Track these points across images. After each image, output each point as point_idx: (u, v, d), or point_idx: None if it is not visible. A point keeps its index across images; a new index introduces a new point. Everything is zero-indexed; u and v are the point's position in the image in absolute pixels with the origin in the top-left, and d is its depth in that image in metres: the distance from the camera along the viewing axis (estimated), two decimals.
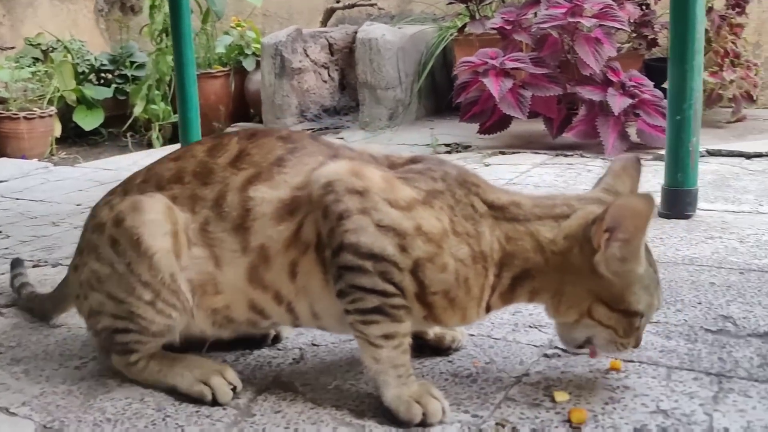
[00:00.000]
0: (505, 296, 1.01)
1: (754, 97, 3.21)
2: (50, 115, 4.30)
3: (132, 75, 4.85)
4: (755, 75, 3.22)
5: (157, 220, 1.03)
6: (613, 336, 0.99)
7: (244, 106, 4.66)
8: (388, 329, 0.96)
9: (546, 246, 0.97)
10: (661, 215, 1.98)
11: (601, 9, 3.02)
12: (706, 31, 3.21)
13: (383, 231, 0.95)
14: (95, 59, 4.91)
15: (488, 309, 1.01)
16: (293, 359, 1.19)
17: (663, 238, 1.78)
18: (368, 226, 0.94)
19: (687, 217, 1.94)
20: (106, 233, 1.06)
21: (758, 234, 1.77)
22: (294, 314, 1.04)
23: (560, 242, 0.97)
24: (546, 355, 1.16)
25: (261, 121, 4.36)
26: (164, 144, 4.42)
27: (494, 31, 3.31)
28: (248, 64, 4.56)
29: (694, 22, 1.87)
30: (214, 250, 1.02)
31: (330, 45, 4.32)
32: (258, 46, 4.48)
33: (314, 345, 1.23)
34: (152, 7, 4.39)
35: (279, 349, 1.22)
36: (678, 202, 1.96)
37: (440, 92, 4.05)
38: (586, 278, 0.96)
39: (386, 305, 0.96)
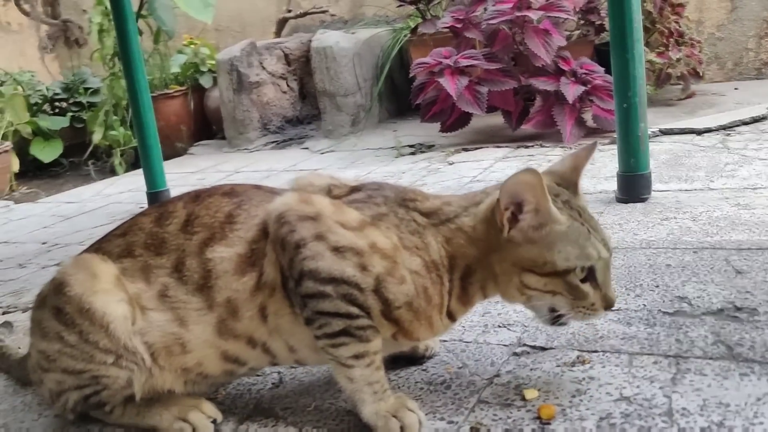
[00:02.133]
0: (461, 298, 1.05)
1: (701, 73, 3.31)
2: (6, 151, 4.26)
3: (87, 102, 4.82)
4: (699, 52, 3.32)
5: (108, 288, 1.04)
6: (569, 301, 1.00)
7: (206, 124, 4.66)
8: (358, 349, 1.01)
9: (471, 235, 1.02)
10: (619, 200, 2.06)
11: (547, 0, 3.10)
12: (650, 13, 3.30)
13: (340, 253, 0.98)
14: (47, 89, 4.88)
15: (451, 316, 1.06)
16: (273, 384, 1.23)
17: (621, 223, 1.85)
18: (325, 251, 0.98)
19: (643, 200, 2.02)
20: (48, 304, 1.06)
21: (710, 211, 1.85)
22: (270, 354, 1.07)
23: (478, 228, 1.01)
24: (515, 354, 1.22)
25: (224, 138, 4.38)
26: (128, 169, 4.41)
27: (447, 30, 3.38)
28: (205, 81, 4.56)
29: (630, 13, 1.94)
30: (177, 312, 1.04)
31: (286, 55, 4.35)
32: (213, 62, 4.48)
33: (292, 367, 1.27)
34: (101, 31, 4.37)
35: (258, 375, 1.26)
36: (633, 186, 2.03)
37: (400, 94, 4.10)
38: (507, 253, 0.99)
39: (352, 327, 1.00)
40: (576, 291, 0.99)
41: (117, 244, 1.10)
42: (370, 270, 0.98)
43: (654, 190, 2.07)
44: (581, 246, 0.99)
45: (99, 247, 1.12)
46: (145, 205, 2.93)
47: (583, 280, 0.99)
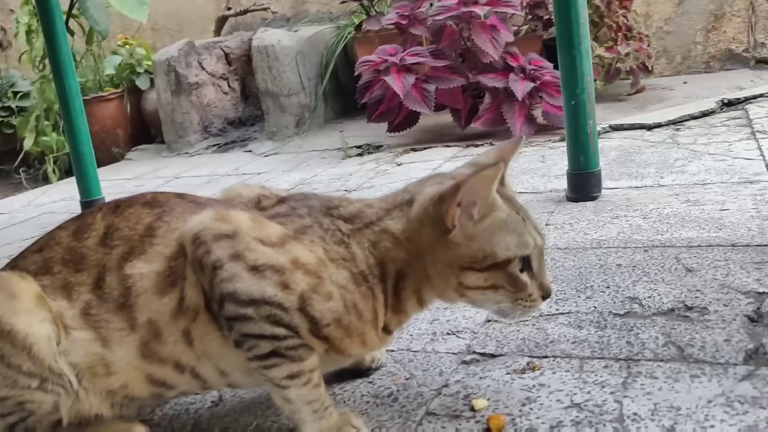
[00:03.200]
0: (396, 309, 1.02)
1: (650, 68, 3.38)
2: None
3: (17, 106, 4.67)
4: (648, 46, 3.39)
5: (29, 308, 1.00)
6: (510, 295, 0.99)
7: (144, 128, 4.57)
8: (291, 370, 0.98)
9: (399, 237, 0.99)
10: (570, 199, 2.07)
11: None
12: (598, 7, 3.36)
13: (259, 273, 0.95)
14: None
15: (387, 330, 1.03)
16: (212, 402, 1.19)
17: (572, 223, 1.87)
18: (242, 272, 0.95)
19: (593, 198, 2.04)
20: None
21: (660, 208, 1.88)
22: (200, 379, 1.03)
23: (409, 229, 0.99)
24: (464, 362, 1.21)
25: (163, 142, 4.30)
26: (62, 177, 4.29)
27: (392, 27, 3.37)
28: (142, 82, 4.47)
29: (576, 9, 1.96)
30: (100, 332, 1.00)
31: (226, 55, 4.29)
32: (150, 63, 4.39)
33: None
34: (28, 32, 4.23)
35: (197, 393, 1.22)
36: (583, 184, 2.05)
37: (346, 93, 4.08)
38: (442, 253, 0.97)
39: (282, 348, 0.97)
40: (516, 282, 0.98)
41: (33, 260, 1.05)
42: (292, 288, 0.95)
43: (604, 188, 2.09)
44: (519, 234, 0.98)
45: (15, 265, 1.07)
46: None
47: (520, 270, 0.99)
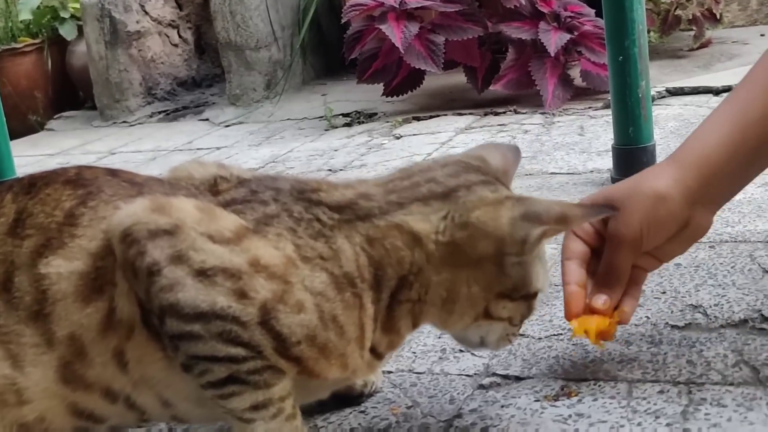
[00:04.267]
0: (387, 326, 1.02)
1: (718, 16, 3.39)
2: None
3: None
4: None
5: None
6: (506, 328, 1.07)
7: (70, 89, 4.57)
8: (255, 398, 0.97)
9: (427, 239, 0.99)
10: (615, 181, 2.07)
11: None
12: None
13: (208, 278, 0.93)
14: None
15: (375, 353, 1.03)
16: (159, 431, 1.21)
17: None
18: (185, 278, 0.93)
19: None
20: None
21: None
22: (137, 410, 1.02)
23: (454, 233, 0.99)
24: (482, 386, 1.22)
25: (95, 107, 4.30)
26: None
27: None
28: (67, 31, 4.46)
29: None
30: (9, 348, 0.98)
31: None
32: (77, 5, 4.39)
33: None
34: None
35: (141, 425, 1.23)
36: (632, 163, 2.06)
37: (330, 46, 4.09)
38: (487, 273, 1.00)
39: (241, 372, 0.96)
40: (526, 314, 1.08)
41: None
42: (251, 297, 0.93)
43: None
44: (544, 266, 1.06)
45: None
46: None
47: None
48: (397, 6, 3.12)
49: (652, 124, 2.08)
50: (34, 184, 1.04)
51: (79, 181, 1.04)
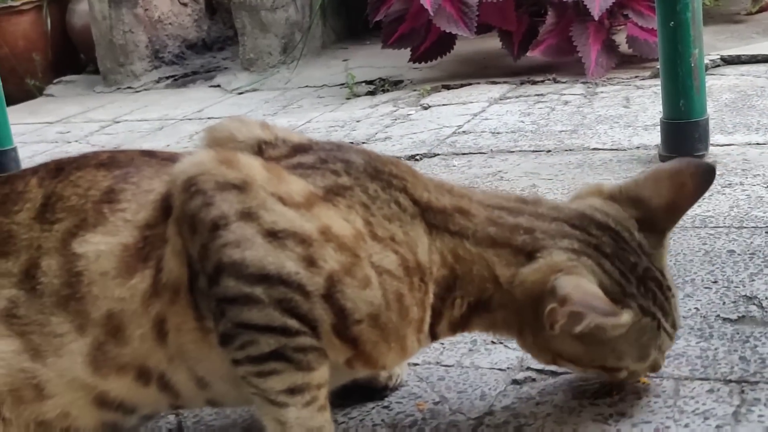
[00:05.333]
0: (456, 325, 1.08)
1: None
2: None
3: None
4: None
5: None
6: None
7: (71, 52, 4.60)
8: (294, 381, 1.00)
9: (503, 284, 1.04)
10: (664, 159, 2.08)
11: None
12: None
13: (278, 240, 0.97)
14: None
15: (434, 336, 1.08)
16: (168, 430, 1.22)
17: None
18: (255, 236, 0.96)
19: (698, 158, 2.04)
20: None
21: None
22: (171, 391, 1.05)
23: (516, 288, 1.04)
24: (515, 381, 1.23)
25: (97, 71, 4.32)
26: None
27: None
28: None
29: None
30: (30, 340, 1.01)
31: None
32: None
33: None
34: None
35: (174, 412, 1.24)
36: (683, 139, 2.06)
37: (353, 6, 4.09)
38: (545, 336, 1.04)
39: (288, 348, 0.99)
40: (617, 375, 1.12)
41: None
42: (320, 265, 0.97)
43: (712, 144, 2.11)
44: (642, 347, 1.08)
45: None
46: None
47: None
48: None
49: (705, 97, 2.07)
50: (62, 168, 1.07)
51: (114, 163, 1.07)
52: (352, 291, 0.98)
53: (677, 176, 1.12)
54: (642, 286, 1.05)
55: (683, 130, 2.05)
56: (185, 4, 4.29)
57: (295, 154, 1.09)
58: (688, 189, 1.11)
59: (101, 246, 1.01)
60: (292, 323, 0.98)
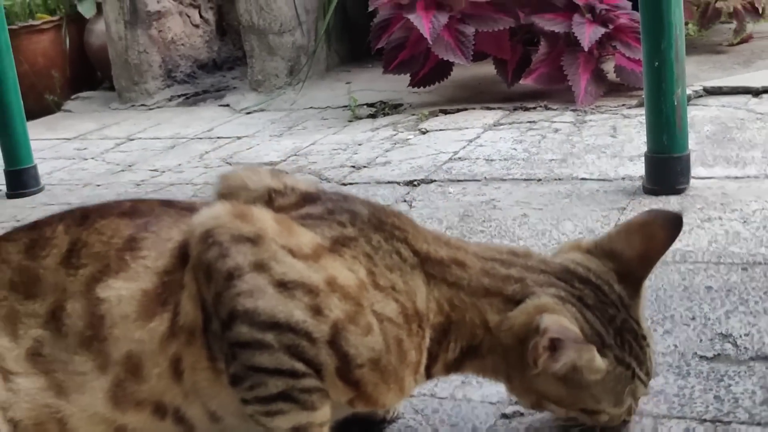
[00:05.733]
0: (449, 367, 1.11)
1: (761, 10, 3.37)
2: None
3: None
4: None
5: None
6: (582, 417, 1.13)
7: (87, 69, 4.61)
8: (299, 420, 1.03)
9: (493, 329, 1.07)
10: (648, 191, 2.10)
11: None
12: None
13: (287, 290, 1.00)
14: None
15: (430, 376, 1.11)
16: None
17: None
18: (267, 287, 1.00)
19: (679, 191, 2.06)
20: None
21: (765, 209, 1.90)
22: (186, 424, 1.07)
23: (504, 332, 1.07)
24: (505, 416, 1.25)
25: (112, 87, 4.33)
26: None
27: None
28: (86, 9, 4.50)
29: None
30: (55, 377, 1.04)
31: None
32: None
33: None
34: None
35: None
36: (666, 173, 2.08)
37: (356, 30, 4.10)
38: (531, 377, 1.07)
39: (295, 389, 1.02)
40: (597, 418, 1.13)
41: None
42: (326, 314, 1.00)
43: (694, 177, 2.12)
44: (617, 394, 1.10)
45: None
46: (3, 189, 2.90)
47: None
48: None
49: (687, 133, 2.09)
50: (87, 216, 1.11)
51: (136, 212, 1.11)
52: (355, 338, 1.01)
53: (647, 228, 1.14)
54: (619, 337, 1.08)
55: (666, 165, 2.07)
56: (197, 26, 4.30)
57: (303, 203, 1.12)
58: (659, 239, 1.14)
59: (123, 291, 1.04)
60: (299, 366, 1.01)
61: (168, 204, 1.14)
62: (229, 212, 1.04)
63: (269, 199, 1.15)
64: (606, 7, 3.11)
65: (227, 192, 1.16)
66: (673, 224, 1.15)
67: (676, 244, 1.75)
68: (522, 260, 1.13)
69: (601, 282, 1.11)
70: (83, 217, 1.11)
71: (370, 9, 3.31)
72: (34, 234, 1.10)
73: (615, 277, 1.12)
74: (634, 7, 3.08)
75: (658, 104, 2.05)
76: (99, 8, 4.43)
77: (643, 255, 1.13)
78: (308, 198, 1.14)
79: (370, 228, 1.08)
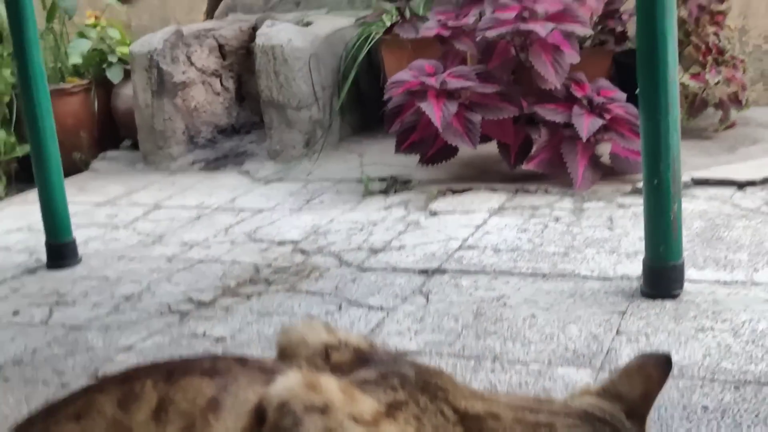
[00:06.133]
0: None
1: (743, 102, 3.50)
2: None
3: None
4: (743, 73, 3.51)
5: None
6: None
7: (113, 130, 4.68)
8: None
9: None
10: (645, 294, 2.19)
11: (559, 10, 3.23)
12: (684, 22, 3.47)
13: None
14: None
15: None
16: None
17: (648, 334, 1.99)
18: None
19: (674, 296, 2.16)
20: None
21: (753, 320, 1.99)
22: None
23: None
24: None
25: (135, 147, 4.42)
26: (9, 187, 4.40)
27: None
28: (114, 74, 4.58)
29: (665, 70, 2.08)
30: None
31: (220, 46, 4.41)
32: (125, 50, 4.51)
33: None
34: None
35: None
36: (662, 279, 2.18)
37: (368, 104, 4.20)
38: None
39: None
40: None
41: (70, 430, 1.15)
42: None
43: (687, 280, 2.21)
44: None
45: (45, 428, 1.17)
46: (43, 258, 2.97)
47: None
48: (438, 86, 3.22)
49: (682, 242, 2.19)
50: (171, 373, 1.17)
51: (215, 371, 1.17)
52: None
53: (643, 370, 1.22)
54: None
55: (662, 273, 2.17)
56: (218, 94, 4.40)
57: (358, 363, 1.21)
58: (655, 379, 1.22)
59: None
60: None
61: (242, 363, 1.22)
62: (300, 383, 1.11)
63: (326, 354, 1.23)
64: (603, 99, 3.22)
65: (287, 346, 1.25)
66: (664, 365, 1.24)
67: (674, 355, 1.85)
68: (546, 405, 1.22)
69: (616, 421, 1.20)
70: (168, 373, 1.17)
71: (384, 87, 3.41)
72: (124, 388, 1.17)
73: (624, 416, 1.21)
74: (629, 99, 3.22)
75: (657, 218, 2.15)
76: (126, 73, 4.52)
77: (644, 394, 1.21)
78: (361, 357, 1.22)
79: (417, 390, 1.16)
